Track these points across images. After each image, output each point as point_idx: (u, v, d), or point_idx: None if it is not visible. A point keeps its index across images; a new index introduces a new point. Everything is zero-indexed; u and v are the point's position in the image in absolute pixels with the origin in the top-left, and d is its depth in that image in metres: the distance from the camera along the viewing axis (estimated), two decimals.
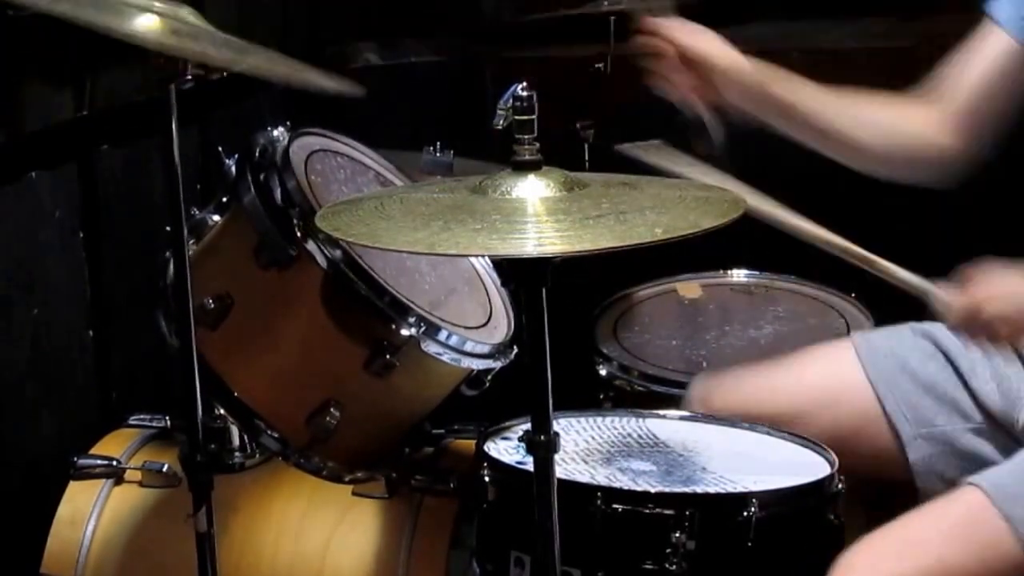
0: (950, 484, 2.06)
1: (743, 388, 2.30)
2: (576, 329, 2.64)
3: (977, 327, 2.02)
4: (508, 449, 2.07)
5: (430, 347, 2.12)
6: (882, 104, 2.31)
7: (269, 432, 2.16)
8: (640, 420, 2.22)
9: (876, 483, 2.23)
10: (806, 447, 2.10)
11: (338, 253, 2.09)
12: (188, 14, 1.99)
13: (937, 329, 2.25)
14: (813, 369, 2.30)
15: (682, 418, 2.24)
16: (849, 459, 2.05)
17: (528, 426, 1.69)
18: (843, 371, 2.26)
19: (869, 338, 2.32)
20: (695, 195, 1.72)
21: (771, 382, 2.29)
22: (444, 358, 2.14)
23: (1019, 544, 1.92)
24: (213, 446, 2.07)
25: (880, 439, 2.22)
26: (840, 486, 1.99)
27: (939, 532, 1.95)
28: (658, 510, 1.90)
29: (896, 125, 2.29)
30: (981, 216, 3.22)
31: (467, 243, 1.60)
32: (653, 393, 2.52)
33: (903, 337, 2.27)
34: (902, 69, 3.59)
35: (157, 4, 1.94)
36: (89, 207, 2.81)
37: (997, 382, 2.17)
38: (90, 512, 2.38)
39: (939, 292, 2.05)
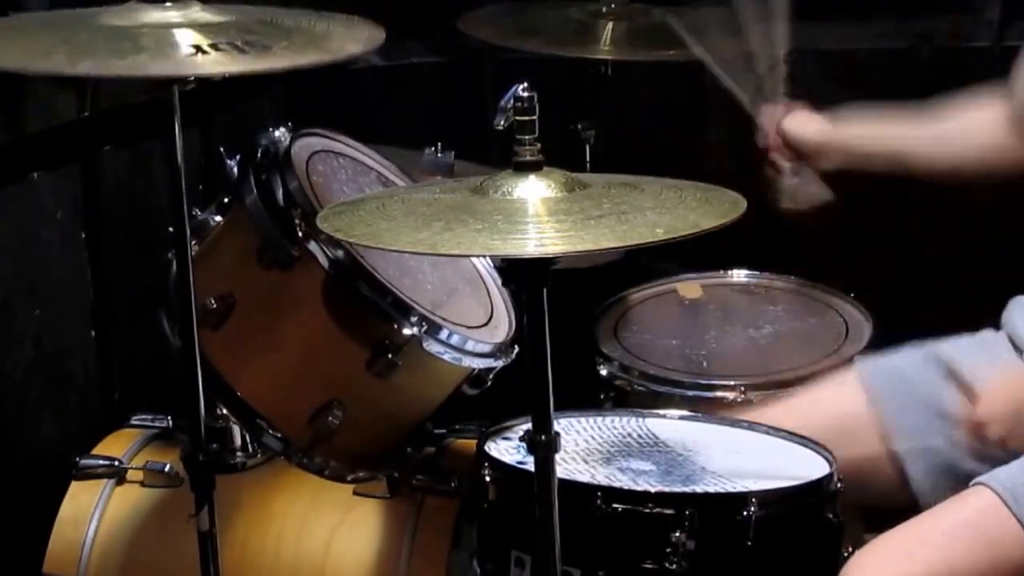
0: None
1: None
2: (577, 329, 2.65)
3: (982, 441, 2.06)
4: (509, 449, 2.08)
5: (432, 346, 2.12)
6: (948, 117, 2.33)
7: (271, 432, 2.17)
8: (640, 420, 2.22)
9: (885, 508, 2.22)
10: (805, 447, 2.11)
11: (340, 253, 2.09)
12: (198, 10, 1.99)
13: (937, 345, 2.25)
14: (821, 402, 2.30)
15: (682, 418, 2.24)
16: (859, 488, 2.05)
17: (529, 426, 1.70)
18: (847, 400, 2.26)
19: (871, 362, 2.33)
20: (695, 195, 1.73)
21: (782, 418, 2.27)
22: (445, 357, 2.14)
23: None
24: (215, 446, 2.08)
25: (886, 465, 2.21)
26: (839, 485, 1.99)
27: (950, 532, 1.96)
28: (658, 510, 1.90)
29: (964, 136, 2.31)
30: None
31: (469, 243, 1.61)
32: (653, 393, 2.52)
33: (903, 357, 2.27)
34: (902, 69, 3.60)
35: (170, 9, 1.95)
36: (91, 208, 2.81)
37: None
38: (92, 512, 2.38)
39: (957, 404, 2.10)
